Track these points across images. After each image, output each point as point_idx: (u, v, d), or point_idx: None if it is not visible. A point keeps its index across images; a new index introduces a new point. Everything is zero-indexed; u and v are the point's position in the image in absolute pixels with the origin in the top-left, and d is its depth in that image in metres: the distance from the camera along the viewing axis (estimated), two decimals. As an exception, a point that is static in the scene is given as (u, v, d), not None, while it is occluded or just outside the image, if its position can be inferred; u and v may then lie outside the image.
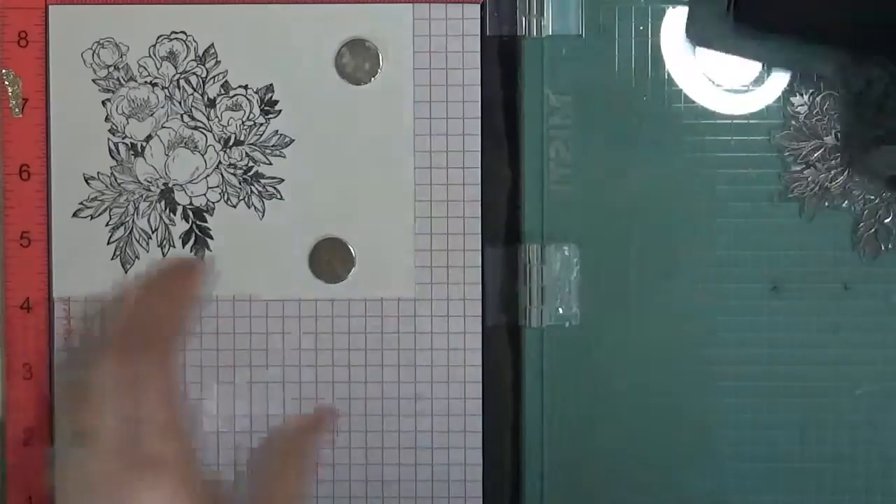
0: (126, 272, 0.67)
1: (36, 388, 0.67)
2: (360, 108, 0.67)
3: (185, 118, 0.67)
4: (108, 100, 0.67)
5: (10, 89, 0.67)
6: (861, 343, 0.66)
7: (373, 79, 0.67)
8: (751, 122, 0.66)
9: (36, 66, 0.67)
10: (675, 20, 0.66)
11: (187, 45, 0.67)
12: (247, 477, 0.59)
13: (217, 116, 0.67)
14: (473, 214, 0.67)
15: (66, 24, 0.67)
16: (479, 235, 0.67)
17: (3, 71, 0.67)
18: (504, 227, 0.67)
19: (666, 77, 0.66)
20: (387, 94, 0.67)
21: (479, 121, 0.67)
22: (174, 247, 0.67)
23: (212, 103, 0.67)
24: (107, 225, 0.67)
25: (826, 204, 0.66)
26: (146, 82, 0.67)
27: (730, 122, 0.66)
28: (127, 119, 0.67)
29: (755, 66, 0.66)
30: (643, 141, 0.66)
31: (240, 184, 0.67)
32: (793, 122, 0.66)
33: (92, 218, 0.67)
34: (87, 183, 0.67)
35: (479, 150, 0.67)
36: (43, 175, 0.67)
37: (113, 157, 0.67)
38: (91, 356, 0.54)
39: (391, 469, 0.67)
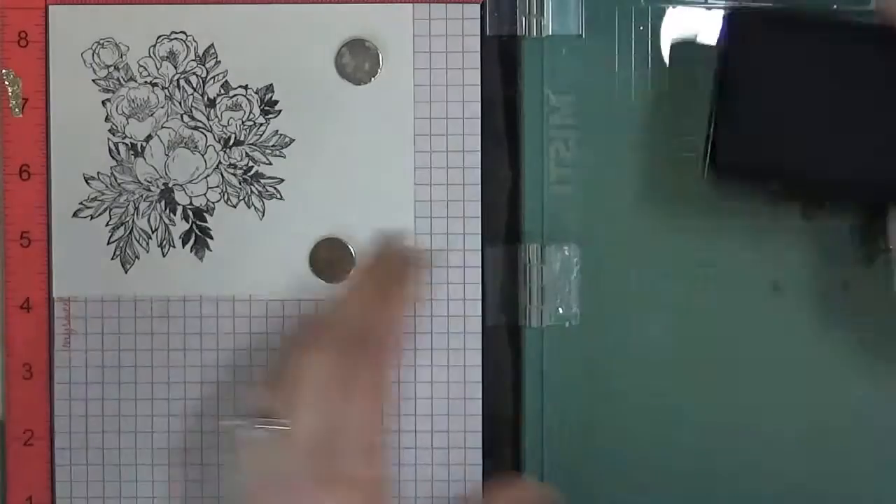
0: (126, 272, 0.67)
1: (36, 388, 0.67)
2: (360, 108, 0.67)
3: (185, 118, 0.67)
4: (108, 100, 0.67)
5: (10, 89, 0.67)
6: (861, 343, 0.66)
7: (373, 79, 0.67)
8: (751, 122, 0.66)
9: (36, 66, 0.67)
10: (675, 20, 0.66)
11: (187, 45, 0.67)
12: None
13: (217, 116, 0.67)
14: (473, 214, 0.67)
15: (66, 24, 0.67)
16: (479, 235, 0.67)
17: (3, 71, 0.67)
18: (504, 227, 0.67)
19: (666, 77, 0.66)
20: (387, 94, 0.67)
21: (479, 121, 0.67)
22: (174, 247, 0.67)
23: (212, 103, 0.67)
24: (107, 225, 0.67)
25: (826, 204, 0.66)
26: (146, 82, 0.67)
27: (730, 122, 0.66)
28: (127, 119, 0.67)
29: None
30: (643, 141, 0.66)
31: (240, 184, 0.67)
32: (793, 122, 0.66)
33: (92, 218, 0.67)
34: (87, 183, 0.67)
35: (479, 150, 0.67)
36: (43, 175, 0.67)
37: (113, 157, 0.67)
38: (305, 347, 0.52)
39: (391, 469, 0.67)
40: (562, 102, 0.67)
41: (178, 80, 0.67)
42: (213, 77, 0.67)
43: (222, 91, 0.67)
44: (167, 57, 0.67)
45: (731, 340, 0.67)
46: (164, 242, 0.67)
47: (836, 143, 0.53)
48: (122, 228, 0.67)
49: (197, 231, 0.67)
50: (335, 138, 0.67)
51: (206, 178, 0.67)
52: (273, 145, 0.67)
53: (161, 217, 0.67)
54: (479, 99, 0.67)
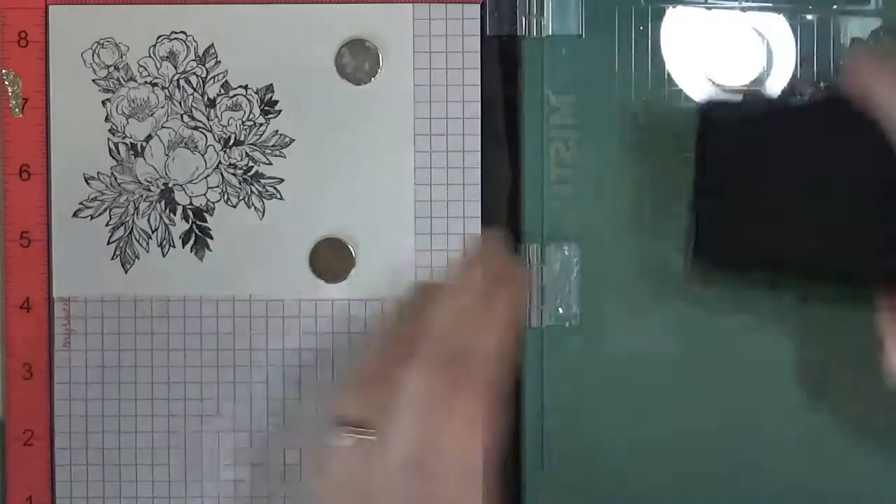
0: (126, 272, 0.67)
1: (36, 388, 0.67)
2: (360, 108, 0.67)
3: (185, 118, 0.67)
4: (108, 100, 0.67)
5: (10, 89, 0.67)
6: (861, 343, 0.66)
7: (373, 79, 0.67)
8: (751, 122, 0.66)
9: (36, 66, 0.67)
10: (675, 20, 0.66)
11: (187, 45, 0.67)
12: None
13: (217, 116, 0.67)
14: (473, 214, 0.67)
15: (66, 24, 0.67)
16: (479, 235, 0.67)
17: (3, 71, 0.67)
18: (504, 227, 0.67)
19: (666, 77, 0.66)
20: (387, 94, 0.67)
21: (479, 121, 0.67)
22: (174, 247, 0.67)
23: (212, 103, 0.67)
24: (107, 225, 0.67)
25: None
26: (146, 82, 0.67)
27: (730, 122, 0.66)
28: (127, 119, 0.67)
29: (755, 66, 0.66)
30: (643, 141, 0.66)
31: (240, 184, 0.67)
32: (793, 122, 0.66)
33: (92, 218, 0.67)
34: (87, 183, 0.67)
35: (479, 150, 0.67)
36: (43, 175, 0.67)
37: (113, 157, 0.67)
38: (404, 360, 0.49)
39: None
40: (562, 102, 0.67)
41: (178, 80, 0.67)
42: (213, 77, 0.67)
43: (222, 91, 0.67)
44: (167, 57, 0.67)
45: (730, 340, 0.67)
46: (164, 242, 0.67)
47: (818, 229, 0.53)
48: (122, 228, 0.67)
49: (197, 231, 0.67)
50: (335, 138, 0.67)
51: (206, 178, 0.67)
52: (273, 145, 0.67)
53: (161, 217, 0.67)
54: (479, 99, 0.67)
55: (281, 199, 0.67)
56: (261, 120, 0.67)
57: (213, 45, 0.67)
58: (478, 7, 0.67)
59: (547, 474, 0.67)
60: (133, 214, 0.67)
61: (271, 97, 0.67)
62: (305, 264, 0.67)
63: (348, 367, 0.52)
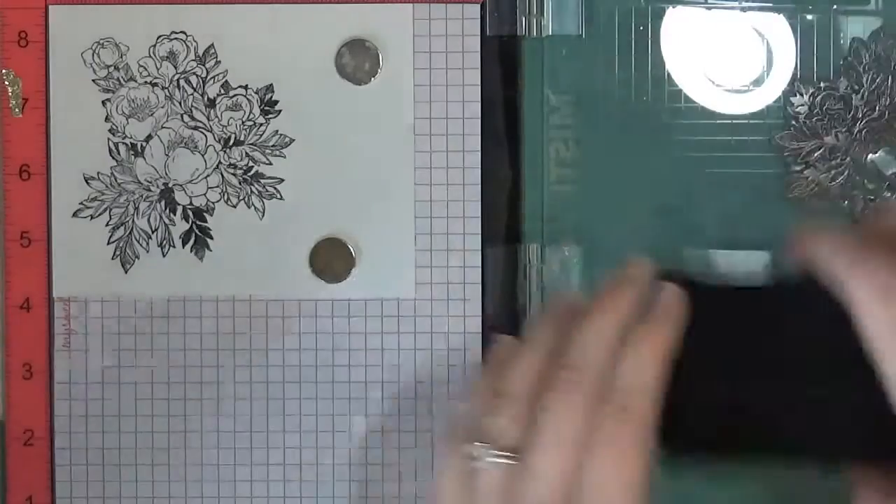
0: (126, 272, 0.67)
1: (36, 388, 0.67)
2: (360, 108, 0.67)
3: (185, 118, 0.67)
4: (108, 100, 0.67)
5: (10, 89, 0.67)
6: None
7: (373, 79, 0.67)
8: (751, 122, 0.66)
9: (36, 66, 0.67)
10: (675, 20, 0.66)
11: (187, 45, 0.67)
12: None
13: (217, 116, 0.67)
14: (473, 214, 0.67)
15: (66, 24, 0.67)
16: (479, 235, 0.67)
17: (3, 71, 0.67)
18: (504, 227, 0.67)
19: (666, 77, 0.66)
20: (387, 94, 0.67)
21: (479, 121, 0.67)
22: (174, 247, 0.67)
23: (212, 103, 0.67)
24: (107, 225, 0.67)
25: (826, 204, 0.66)
26: (146, 82, 0.67)
27: (730, 122, 0.66)
28: (127, 119, 0.67)
29: (755, 66, 0.66)
30: (643, 141, 0.66)
31: (240, 184, 0.67)
32: (793, 122, 0.66)
33: (92, 218, 0.67)
34: (87, 183, 0.67)
35: (479, 150, 0.67)
36: (43, 175, 0.67)
37: (113, 157, 0.67)
38: (554, 380, 0.47)
39: (391, 469, 0.67)
40: (562, 102, 0.67)
41: (178, 80, 0.67)
42: (213, 77, 0.67)
43: (222, 91, 0.67)
44: (167, 57, 0.67)
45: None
46: (164, 242, 0.67)
47: (796, 408, 0.52)
48: (122, 228, 0.67)
49: (197, 231, 0.67)
50: (335, 138, 0.67)
51: (206, 178, 0.67)
52: (273, 145, 0.67)
53: (161, 217, 0.67)
54: (479, 99, 0.67)
55: (281, 199, 0.67)
56: (261, 120, 0.67)
57: (213, 45, 0.67)
58: (478, 7, 0.67)
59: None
60: (133, 214, 0.67)
61: (271, 97, 0.67)
62: (305, 264, 0.67)
63: (495, 381, 0.51)
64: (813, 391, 0.50)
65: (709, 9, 0.66)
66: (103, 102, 0.67)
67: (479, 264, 0.67)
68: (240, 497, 0.67)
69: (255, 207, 0.67)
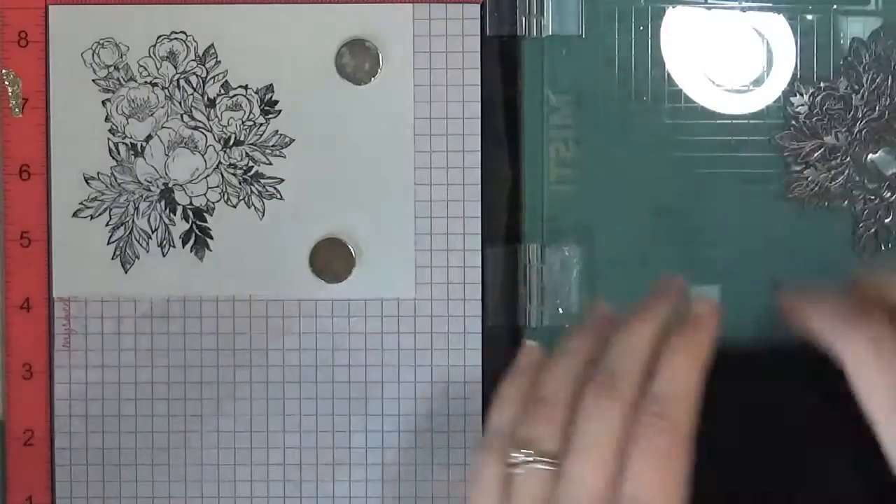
0: (126, 272, 0.67)
1: (36, 388, 0.67)
2: (360, 108, 0.67)
3: (185, 118, 0.67)
4: (108, 100, 0.67)
5: (10, 89, 0.67)
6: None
7: (373, 79, 0.67)
8: (751, 122, 0.66)
9: (36, 66, 0.67)
10: (675, 20, 0.66)
11: (187, 45, 0.67)
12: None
13: (217, 116, 0.67)
14: (473, 214, 0.67)
15: (66, 24, 0.67)
16: (479, 235, 0.67)
17: (3, 71, 0.67)
18: (504, 227, 0.67)
19: (666, 77, 0.66)
20: (387, 94, 0.67)
21: (479, 121, 0.67)
22: (174, 247, 0.67)
23: (212, 103, 0.67)
24: (107, 225, 0.67)
25: (826, 204, 0.66)
26: (146, 82, 0.67)
27: (730, 122, 0.66)
28: (127, 119, 0.67)
29: (755, 66, 0.66)
30: (643, 141, 0.66)
31: (240, 184, 0.67)
32: (793, 122, 0.66)
33: (92, 218, 0.67)
34: (87, 183, 0.67)
35: (479, 150, 0.67)
36: (43, 175, 0.67)
37: (113, 157, 0.67)
38: (594, 386, 0.48)
39: (391, 469, 0.67)
40: (562, 102, 0.67)
41: (178, 80, 0.67)
42: (213, 77, 0.67)
43: (222, 91, 0.67)
44: (167, 57, 0.67)
45: (730, 340, 0.66)
46: (164, 242, 0.67)
47: (797, 480, 0.52)
48: (122, 228, 0.67)
49: (197, 231, 0.67)
50: (335, 138, 0.67)
51: (206, 178, 0.67)
52: (273, 145, 0.67)
53: (161, 217, 0.67)
54: (479, 99, 0.67)
55: (281, 199, 0.67)
56: (261, 120, 0.67)
57: (213, 45, 0.67)
58: (478, 7, 0.67)
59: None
60: (133, 214, 0.67)
61: (271, 97, 0.67)
62: (305, 264, 0.67)
63: (533, 387, 0.51)
64: (813, 461, 0.50)
65: (709, 9, 0.66)
66: (103, 102, 0.67)
67: (479, 264, 0.67)
68: (240, 497, 0.67)
69: (255, 207, 0.67)
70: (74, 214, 0.67)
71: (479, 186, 0.67)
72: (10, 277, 0.67)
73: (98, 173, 0.67)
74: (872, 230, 0.66)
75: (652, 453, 0.47)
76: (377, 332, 0.67)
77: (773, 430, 0.52)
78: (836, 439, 0.50)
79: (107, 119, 0.67)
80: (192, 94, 0.67)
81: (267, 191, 0.67)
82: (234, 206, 0.67)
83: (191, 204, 0.67)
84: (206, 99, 0.67)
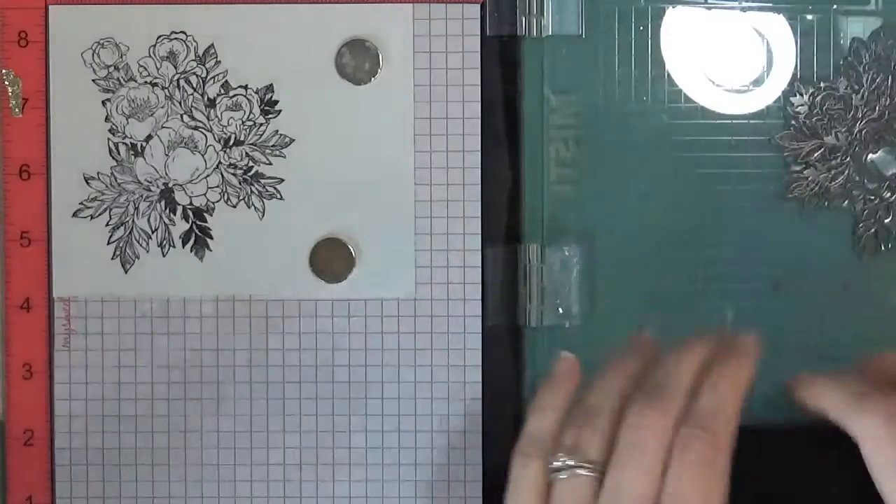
0: (126, 272, 0.67)
1: (36, 388, 0.67)
2: (360, 108, 0.67)
3: (185, 118, 0.67)
4: (108, 100, 0.67)
5: (10, 89, 0.67)
6: (860, 343, 0.66)
7: (373, 79, 0.67)
8: (751, 122, 0.66)
9: (36, 66, 0.67)
10: (675, 20, 0.66)
11: (187, 45, 0.67)
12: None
13: (217, 116, 0.67)
14: (473, 214, 0.67)
15: (66, 24, 0.67)
16: (479, 235, 0.67)
17: (3, 71, 0.67)
18: (504, 227, 0.67)
19: (666, 77, 0.66)
20: (387, 94, 0.67)
21: (479, 121, 0.67)
22: (174, 247, 0.67)
23: (212, 103, 0.67)
24: (107, 225, 0.67)
25: (826, 204, 0.66)
26: (146, 82, 0.67)
27: (730, 122, 0.66)
28: (127, 119, 0.67)
29: (755, 66, 0.66)
30: (643, 141, 0.66)
31: (240, 184, 0.67)
32: (793, 122, 0.66)
33: (92, 218, 0.67)
34: (87, 183, 0.67)
35: (479, 150, 0.67)
36: (43, 175, 0.67)
37: (113, 157, 0.67)
38: (640, 399, 0.50)
39: (391, 469, 0.67)
40: (562, 102, 0.67)
41: (178, 80, 0.67)
42: (213, 77, 0.67)
43: (222, 91, 0.67)
44: (167, 57, 0.67)
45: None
46: (164, 242, 0.67)
47: None
48: (122, 228, 0.67)
49: (197, 231, 0.67)
50: (335, 138, 0.67)
51: (206, 178, 0.67)
52: (273, 145, 0.67)
53: (161, 217, 0.67)
54: (479, 99, 0.67)
55: (281, 199, 0.67)
56: (261, 120, 0.67)
57: (213, 45, 0.67)
58: (478, 7, 0.67)
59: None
60: (133, 214, 0.67)
61: (271, 97, 0.67)
62: (305, 264, 0.67)
63: (585, 396, 0.53)
64: None
65: (709, 9, 0.66)
66: (103, 102, 0.67)
67: (479, 264, 0.67)
68: (240, 497, 0.67)
69: (255, 207, 0.67)
70: (74, 214, 0.67)
71: (479, 186, 0.67)
72: (10, 277, 0.67)
73: (98, 173, 0.67)
74: (872, 230, 0.66)
75: (693, 463, 0.48)
76: (377, 332, 0.67)
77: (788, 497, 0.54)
78: None
79: (107, 119, 0.67)
80: (192, 94, 0.67)
81: (267, 191, 0.67)
82: (234, 206, 0.67)
83: (191, 204, 0.67)
84: (206, 99, 0.67)
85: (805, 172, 0.66)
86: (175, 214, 0.67)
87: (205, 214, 0.67)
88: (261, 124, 0.67)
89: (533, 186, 0.67)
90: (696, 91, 0.66)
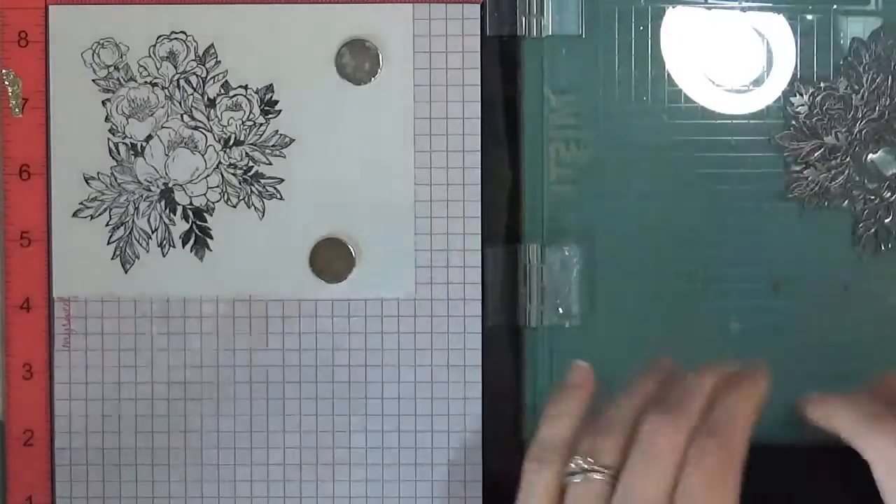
0: (126, 272, 0.67)
1: (36, 388, 0.67)
2: (360, 108, 0.67)
3: (185, 118, 0.67)
4: (108, 100, 0.67)
5: (10, 89, 0.67)
6: (860, 343, 0.66)
7: (373, 79, 0.67)
8: (751, 122, 0.66)
9: (36, 66, 0.67)
10: (675, 20, 0.66)
11: (187, 45, 0.67)
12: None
13: (217, 116, 0.67)
14: (473, 214, 0.67)
15: (66, 24, 0.67)
16: (479, 235, 0.67)
17: (3, 71, 0.67)
18: (504, 227, 0.67)
19: (666, 77, 0.66)
20: (387, 94, 0.67)
21: (479, 121, 0.67)
22: (174, 247, 0.67)
23: (212, 103, 0.67)
24: (107, 225, 0.67)
25: (826, 204, 0.66)
26: (146, 82, 0.67)
27: (730, 122, 0.66)
28: (127, 119, 0.67)
29: (755, 66, 0.66)
30: (643, 141, 0.66)
31: (240, 184, 0.67)
32: (793, 122, 0.66)
33: (92, 218, 0.67)
34: (87, 183, 0.67)
35: (479, 150, 0.67)
36: (43, 175, 0.67)
37: (113, 157, 0.67)
38: (655, 410, 0.52)
39: (391, 469, 0.67)
40: (562, 102, 0.67)
41: (178, 80, 0.67)
42: (213, 77, 0.67)
43: (222, 91, 0.67)
44: (167, 57, 0.67)
45: (730, 340, 0.67)
46: (164, 242, 0.67)
47: None
48: (122, 228, 0.67)
49: (197, 231, 0.67)
50: (335, 138, 0.67)
51: (206, 178, 0.67)
52: (273, 145, 0.67)
53: (161, 217, 0.67)
54: (479, 99, 0.67)
55: (281, 199, 0.67)
56: (261, 120, 0.67)
57: (213, 45, 0.67)
58: (478, 7, 0.67)
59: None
60: (133, 214, 0.67)
61: (271, 97, 0.67)
62: (305, 264, 0.67)
63: (607, 408, 0.54)
64: None
65: (709, 9, 0.66)
66: (103, 102, 0.67)
67: (479, 264, 0.67)
68: (240, 497, 0.67)
69: (255, 207, 0.67)
70: (74, 214, 0.67)
71: (479, 186, 0.67)
72: (10, 277, 0.67)
73: (98, 173, 0.67)
74: (872, 230, 0.66)
75: (705, 470, 0.50)
76: (377, 332, 0.67)
77: None
78: None
79: (107, 119, 0.67)
80: (192, 94, 0.67)
81: (267, 191, 0.67)
82: (234, 206, 0.67)
83: (191, 204, 0.67)
84: (206, 99, 0.67)
85: (805, 172, 0.66)
86: (175, 214, 0.67)
87: (205, 214, 0.67)
88: (261, 124, 0.67)
89: (533, 186, 0.67)
90: (696, 91, 0.66)
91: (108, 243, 0.67)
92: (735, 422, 0.51)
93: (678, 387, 0.54)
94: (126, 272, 0.67)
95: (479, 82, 0.67)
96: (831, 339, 0.66)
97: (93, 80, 0.67)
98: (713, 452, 0.50)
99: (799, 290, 0.66)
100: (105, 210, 0.67)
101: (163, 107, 0.67)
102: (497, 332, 0.67)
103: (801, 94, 0.66)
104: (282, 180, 0.67)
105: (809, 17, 0.66)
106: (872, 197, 0.66)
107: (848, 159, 0.66)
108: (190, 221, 0.67)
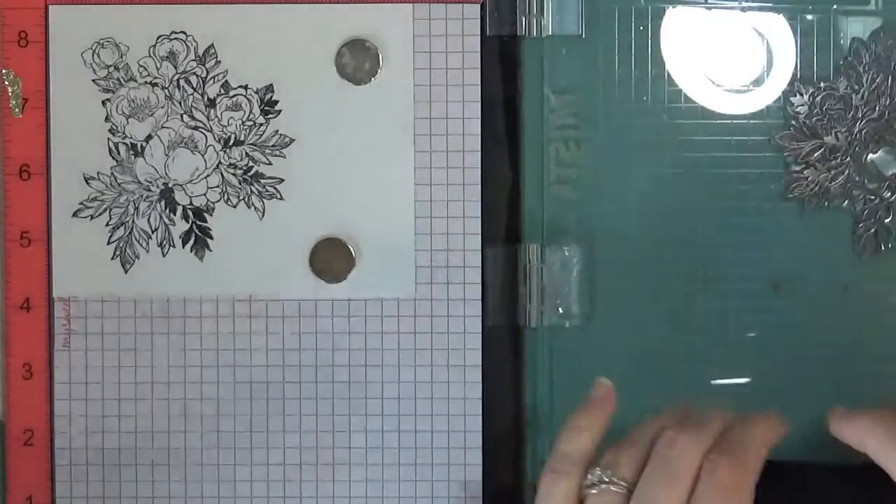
0: (126, 272, 0.67)
1: (36, 388, 0.67)
2: (360, 108, 0.67)
3: (185, 118, 0.67)
4: (108, 100, 0.67)
5: (10, 89, 0.67)
6: (860, 343, 0.66)
7: (373, 79, 0.67)
8: (751, 122, 0.66)
9: (36, 66, 0.67)
10: (675, 20, 0.66)
11: (187, 45, 0.67)
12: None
13: (217, 116, 0.67)
14: (473, 214, 0.67)
15: (66, 24, 0.67)
16: (479, 235, 0.67)
17: (3, 71, 0.67)
18: (504, 227, 0.67)
19: (666, 77, 0.66)
20: (387, 94, 0.67)
21: (479, 121, 0.67)
22: (174, 247, 0.67)
23: (212, 103, 0.67)
24: (107, 225, 0.67)
25: (826, 204, 0.66)
26: (146, 82, 0.67)
27: (730, 122, 0.66)
28: (127, 119, 0.67)
29: (755, 66, 0.66)
30: (643, 141, 0.66)
31: (240, 184, 0.67)
32: (793, 122, 0.66)
33: (92, 218, 0.67)
34: (87, 183, 0.67)
35: (479, 150, 0.67)
36: (43, 175, 0.67)
37: (113, 157, 0.67)
38: (672, 426, 0.53)
39: (391, 469, 0.67)
40: (562, 102, 0.67)
41: (178, 80, 0.67)
42: (213, 77, 0.67)
43: (222, 91, 0.67)
44: (167, 57, 0.67)
45: (730, 340, 0.67)
46: (164, 242, 0.67)
47: None
48: (122, 228, 0.67)
49: (197, 231, 0.67)
50: (335, 138, 0.67)
51: (206, 178, 0.67)
52: (273, 145, 0.67)
53: (161, 217, 0.67)
54: (479, 99, 0.67)
55: (281, 199, 0.67)
56: (261, 120, 0.67)
57: (213, 45, 0.67)
58: (478, 7, 0.67)
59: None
60: (133, 214, 0.67)
61: (271, 97, 0.67)
62: (305, 264, 0.67)
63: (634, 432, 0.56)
64: None
65: (709, 9, 0.66)
66: (103, 102, 0.67)
67: (479, 264, 0.67)
68: (240, 497, 0.67)
69: (255, 207, 0.67)
70: (74, 214, 0.67)
71: (479, 186, 0.67)
72: (10, 277, 0.67)
73: (98, 173, 0.67)
74: (872, 230, 0.66)
75: (719, 485, 0.51)
76: (377, 332, 0.67)
77: None
78: None
79: (107, 119, 0.67)
80: (192, 94, 0.67)
81: (267, 191, 0.67)
82: (234, 206, 0.67)
83: (191, 204, 0.67)
84: (206, 99, 0.67)
85: (805, 172, 0.66)
86: (175, 214, 0.67)
87: (205, 214, 0.67)
88: (261, 124, 0.67)
89: (533, 186, 0.67)
90: (696, 91, 0.66)
91: (108, 243, 0.67)
92: (750, 444, 0.53)
93: (698, 417, 0.55)
94: (126, 272, 0.67)
95: (479, 82, 0.67)
96: (831, 339, 0.66)
97: (93, 80, 0.67)
98: (727, 468, 0.51)
99: (799, 290, 0.66)
100: (105, 210, 0.67)
101: (163, 107, 0.67)
102: (497, 332, 0.67)
103: (801, 94, 0.66)
104: (282, 180, 0.67)
105: (809, 17, 0.66)
106: (872, 197, 0.66)
107: (848, 159, 0.66)
108: (190, 221, 0.67)
